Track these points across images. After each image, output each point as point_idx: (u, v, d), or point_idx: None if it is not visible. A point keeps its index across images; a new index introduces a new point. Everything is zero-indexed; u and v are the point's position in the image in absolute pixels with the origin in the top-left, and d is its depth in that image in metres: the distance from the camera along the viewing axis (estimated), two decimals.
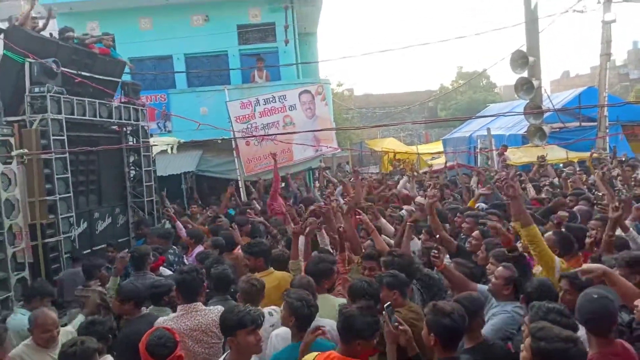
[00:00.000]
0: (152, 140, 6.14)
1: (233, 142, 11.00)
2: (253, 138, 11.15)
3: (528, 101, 12.04)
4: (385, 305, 2.93)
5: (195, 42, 13.29)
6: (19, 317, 4.15)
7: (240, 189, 10.85)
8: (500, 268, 3.40)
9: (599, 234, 4.36)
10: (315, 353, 2.67)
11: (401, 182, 9.70)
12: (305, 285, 3.31)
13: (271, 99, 11.75)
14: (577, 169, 9.81)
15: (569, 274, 3.25)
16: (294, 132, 10.88)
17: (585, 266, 2.93)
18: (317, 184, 12.39)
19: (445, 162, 13.97)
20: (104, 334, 3.26)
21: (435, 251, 3.52)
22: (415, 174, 10.67)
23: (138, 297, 3.73)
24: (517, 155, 11.99)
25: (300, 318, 2.90)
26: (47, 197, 5.98)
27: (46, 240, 5.90)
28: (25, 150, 5.32)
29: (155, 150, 5.62)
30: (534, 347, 2.19)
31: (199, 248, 5.80)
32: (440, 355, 2.59)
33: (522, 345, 2.33)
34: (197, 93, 12.85)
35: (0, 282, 5.06)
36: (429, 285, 3.76)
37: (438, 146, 19.48)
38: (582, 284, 2.98)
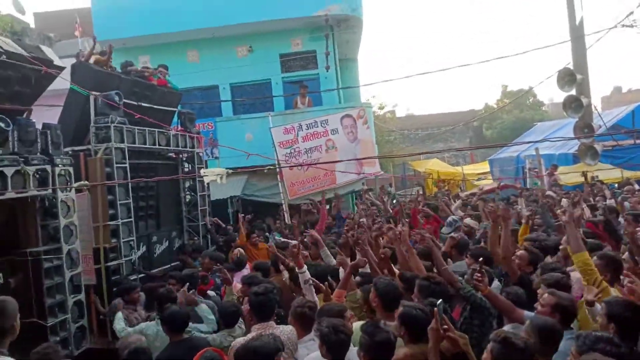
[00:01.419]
0: (202, 171, 6.42)
1: (277, 167, 11.21)
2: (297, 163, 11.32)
3: (577, 119, 11.64)
4: (437, 302, 2.94)
5: (240, 72, 13.81)
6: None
7: (285, 213, 10.99)
8: (546, 295, 3.20)
9: None
10: None
11: (454, 206, 9.55)
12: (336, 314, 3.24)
13: (313, 124, 11.94)
14: (638, 187, 9.31)
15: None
16: (336, 161, 10.97)
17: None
18: (361, 206, 12.37)
19: (499, 184, 13.53)
20: None
21: (479, 275, 3.41)
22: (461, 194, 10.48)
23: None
24: (568, 176, 11.53)
25: (331, 346, 2.83)
26: (110, 222, 6.30)
27: (109, 264, 6.22)
28: (86, 183, 5.66)
29: (206, 180, 5.89)
30: None
31: (242, 273, 5.91)
32: None
33: None
34: (242, 120, 13.27)
35: (59, 305, 5.33)
36: (479, 308, 3.60)
37: (484, 167, 19.05)
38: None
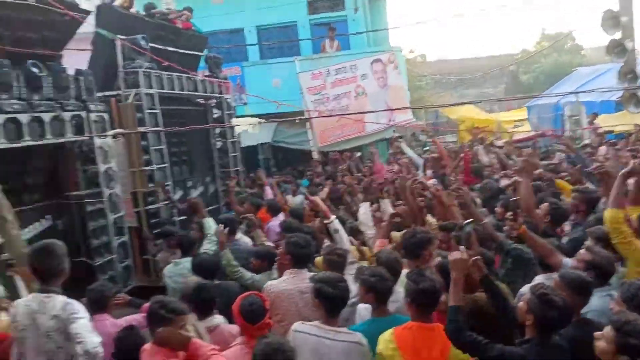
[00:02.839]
0: (233, 121, 6.38)
1: (306, 114, 11.08)
2: (325, 109, 11.15)
3: (622, 65, 10.97)
4: (465, 222, 2.97)
5: (266, 14, 13.39)
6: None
7: (315, 161, 10.97)
8: (582, 250, 3.09)
9: None
10: (392, 329, 2.69)
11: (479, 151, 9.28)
12: (393, 260, 3.28)
13: (342, 69, 11.65)
14: None
15: None
16: (366, 112, 10.71)
17: None
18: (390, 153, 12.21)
19: (538, 132, 12.99)
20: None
21: (512, 217, 3.34)
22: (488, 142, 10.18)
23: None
24: (610, 124, 11.03)
25: (378, 292, 2.92)
26: (145, 168, 6.42)
27: (147, 207, 6.40)
28: (121, 130, 5.71)
29: (237, 129, 5.91)
30: (619, 342, 2.07)
31: (278, 218, 5.99)
32: (531, 335, 2.50)
33: (598, 334, 2.20)
34: (269, 65, 13.02)
35: (105, 246, 5.56)
36: (522, 260, 3.52)
37: (521, 113, 18.35)
38: None
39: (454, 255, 2.65)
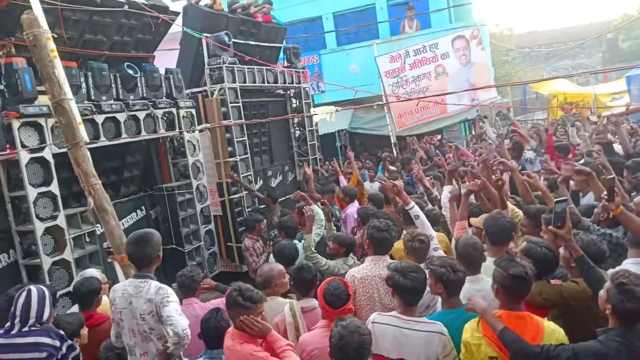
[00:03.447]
0: (312, 110, 6.47)
1: (384, 98, 10.93)
2: (404, 93, 10.92)
3: None
4: (556, 201, 2.88)
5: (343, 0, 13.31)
6: None
7: (393, 145, 10.83)
8: None
9: None
10: (479, 317, 2.61)
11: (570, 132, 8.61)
12: (471, 247, 3.15)
13: (422, 49, 11.30)
14: None
15: None
16: (447, 93, 10.30)
17: None
18: (472, 136, 11.70)
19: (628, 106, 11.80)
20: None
21: (607, 195, 3.06)
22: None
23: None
24: None
25: (447, 284, 2.82)
26: (229, 159, 6.76)
27: (231, 197, 6.75)
28: (207, 125, 6.04)
29: (315, 118, 5.99)
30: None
31: (354, 205, 6.01)
32: (613, 324, 2.34)
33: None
34: (347, 51, 12.98)
35: (193, 234, 5.97)
36: (614, 247, 3.28)
37: (621, 85, 16.64)
38: None
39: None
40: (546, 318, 2.66)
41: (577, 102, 15.18)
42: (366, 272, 3.41)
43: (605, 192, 3.18)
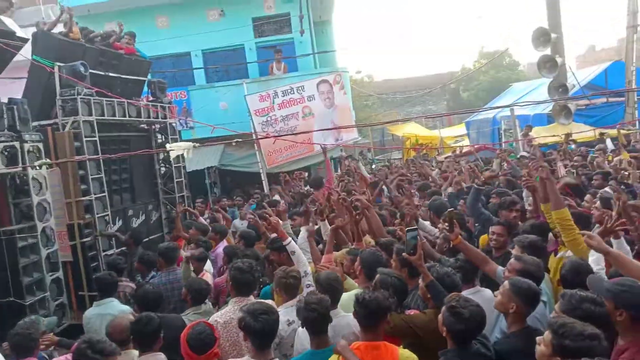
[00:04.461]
0: (168, 146, 6.26)
1: (254, 136, 11.09)
2: (273, 131, 11.21)
3: (552, 79, 11.75)
4: (407, 229, 3.17)
5: (212, 38, 13.41)
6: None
7: (263, 182, 10.96)
8: (512, 260, 3.17)
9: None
10: (335, 356, 2.67)
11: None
12: (333, 280, 3.22)
13: (289, 91, 11.78)
14: (610, 146, 9.49)
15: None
16: (312, 131, 10.85)
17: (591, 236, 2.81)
18: (339, 173, 12.39)
19: (477, 145, 13.56)
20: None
21: (447, 225, 3.43)
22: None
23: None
24: (543, 135, 11.71)
25: (313, 323, 2.80)
26: (83, 198, 6.17)
27: (84, 240, 6.13)
28: (48, 160, 5.47)
29: (172, 154, 5.79)
30: (555, 344, 2.14)
31: (223, 243, 5.91)
32: (450, 345, 2.61)
33: (539, 338, 2.27)
34: (216, 88, 13.00)
35: (37, 283, 5.26)
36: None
37: (461, 129, 19.16)
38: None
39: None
40: (401, 346, 2.82)
41: (427, 144, 17.05)
42: (229, 315, 3.29)
43: (446, 224, 3.57)
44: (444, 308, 2.61)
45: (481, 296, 3.21)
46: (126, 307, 4.11)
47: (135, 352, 3.15)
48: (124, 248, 6.41)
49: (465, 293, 3.20)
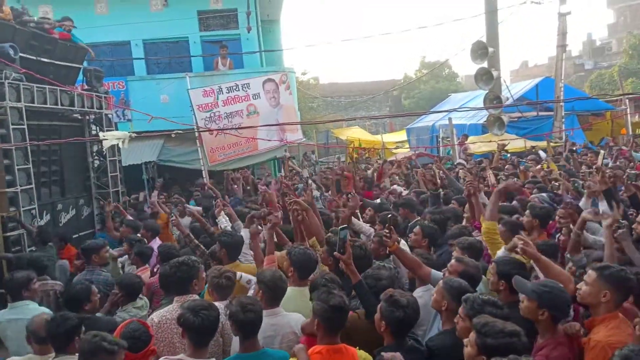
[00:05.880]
0: (101, 135, 5.91)
1: (196, 131, 10.77)
2: (216, 127, 10.95)
3: (487, 91, 12.32)
4: (340, 228, 3.18)
5: (154, 28, 12.90)
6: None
7: (205, 179, 10.65)
8: (453, 261, 3.26)
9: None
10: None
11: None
12: (278, 279, 3.12)
13: (234, 87, 11.56)
14: (543, 157, 10.06)
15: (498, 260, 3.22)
16: (258, 126, 10.73)
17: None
18: (283, 173, 12.32)
19: (417, 152, 13.96)
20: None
21: (387, 232, 3.43)
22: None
23: None
24: (477, 145, 12.27)
25: (243, 326, 2.67)
26: (8, 189, 5.76)
27: (8, 234, 5.70)
28: None
29: (105, 144, 5.49)
30: (479, 343, 2.21)
31: (156, 241, 5.65)
32: (387, 341, 2.64)
33: (466, 340, 2.33)
34: (157, 80, 12.54)
35: None
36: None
37: (402, 135, 19.70)
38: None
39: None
40: (358, 347, 2.78)
41: (369, 148, 17.36)
42: (165, 314, 3.09)
43: (386, 230, 3.58)
44: (382, 302, 2.64)
45: (430, 294, 3.26)
46: (45, 309, 3.79)
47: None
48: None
49: (418, 290, 3.35)
